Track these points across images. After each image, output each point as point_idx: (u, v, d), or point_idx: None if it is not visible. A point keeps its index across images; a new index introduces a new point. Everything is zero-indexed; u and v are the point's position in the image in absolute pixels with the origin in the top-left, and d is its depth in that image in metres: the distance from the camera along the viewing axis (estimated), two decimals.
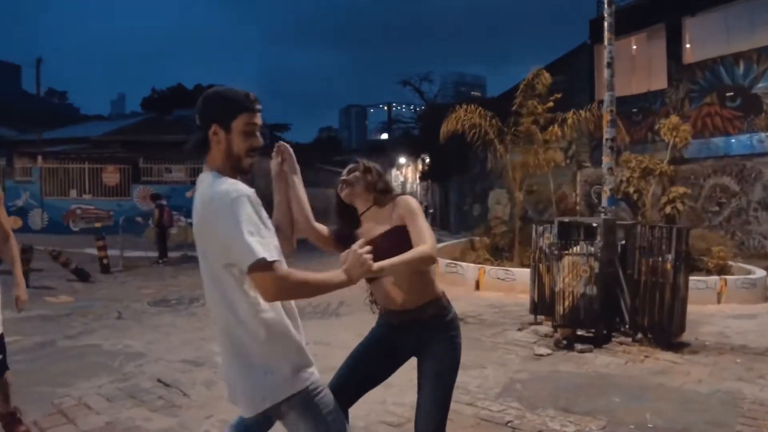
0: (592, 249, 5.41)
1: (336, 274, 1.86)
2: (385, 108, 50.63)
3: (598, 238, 5.48)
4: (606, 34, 6.61)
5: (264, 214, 1.76)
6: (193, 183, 16.45)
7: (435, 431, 2.22)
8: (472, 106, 11.11)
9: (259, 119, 1.87)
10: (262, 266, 1.64)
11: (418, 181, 38.67)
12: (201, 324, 6.77)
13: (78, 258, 11.93)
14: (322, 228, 2.42)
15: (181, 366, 5.07)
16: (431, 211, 32.15)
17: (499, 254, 11.21)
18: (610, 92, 6.51)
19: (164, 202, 13.56)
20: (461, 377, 4.52)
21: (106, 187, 17.24)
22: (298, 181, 2.28)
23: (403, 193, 2.46)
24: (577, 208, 16.39)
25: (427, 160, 31.74)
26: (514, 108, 10.81)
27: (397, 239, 2.21)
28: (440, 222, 28.15)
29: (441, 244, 13.66)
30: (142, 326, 6.72)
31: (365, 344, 2.53)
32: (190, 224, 13.15)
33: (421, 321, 2.33)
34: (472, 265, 9.50)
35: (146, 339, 6.07)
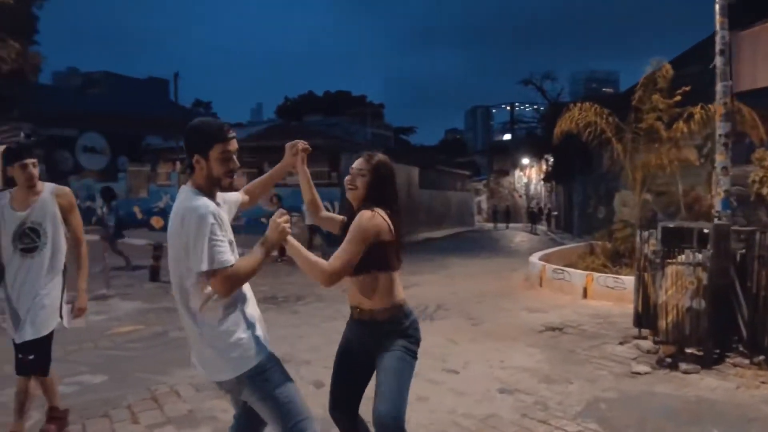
0: (700, 258, 4.85)
1: (256, 249, 2.14)
2: (508, 108, 49.43)
3: (709, 245, 4.91)
4: (717, 18, 5.95)
5: (225, 227, 2.11)
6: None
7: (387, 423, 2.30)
8: (587, 104, 10.49)
9: (233, 145, 2.17)
10: (210, 273, 2.02)
11: (541, 182, 37.29)
12: (300, 321, 7.04)
13: None
14: (335, 216, 2.80)
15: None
16: (555, 213, 30.84)
17: (618, 260, 10.47)
18: (723, 83, 5.85)
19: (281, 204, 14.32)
20: (542, 391, 4.34)
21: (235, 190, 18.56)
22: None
23: (383, 206, 2.51)
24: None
25: (551, 161, 30.50)
26: (633, 103, 10.06)
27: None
28: (564, 225, 26.93)
29: (558, 248, 13.05)
30: (285, 313, 7.06)
31: (339, 351, 2.69)
32: (308, 226, 13.72)
33: (377, 323, 2.49)
34: (579, 271, 8.95)
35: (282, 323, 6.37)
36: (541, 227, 30.99)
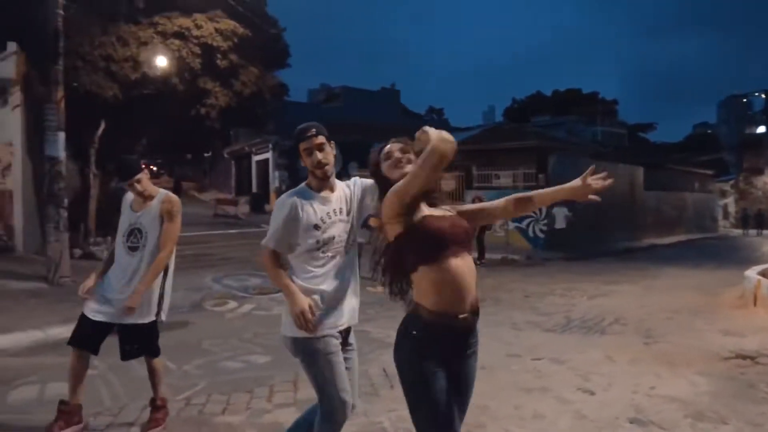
0: None
1: (285, 289, 2.61)
2: (763, 96, 41.94)
3: None
4: None
5: (296, 213, 2.58)
6: (517, 189, 16.92)
7: None
8: None
9: (312, 142, 2.61)
10: (262, 246, 2.67)
11: None
12: None
13: None
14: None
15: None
16: None
17: None
18: None
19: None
20: (682, 427, 3.78)
21: (443, 193, 19.15)
22: None
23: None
24: None
25: None
26: None
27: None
28: None
29: None
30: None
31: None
32: (516, 228, 13.72)
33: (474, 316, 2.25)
34: None
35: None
36: None
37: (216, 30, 13.92)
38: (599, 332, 6.62)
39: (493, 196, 12.93)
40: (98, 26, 12.63)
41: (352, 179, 2.79)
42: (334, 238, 2.63)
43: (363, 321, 3.53)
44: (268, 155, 29.72)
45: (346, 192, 2.74)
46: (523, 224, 16.92)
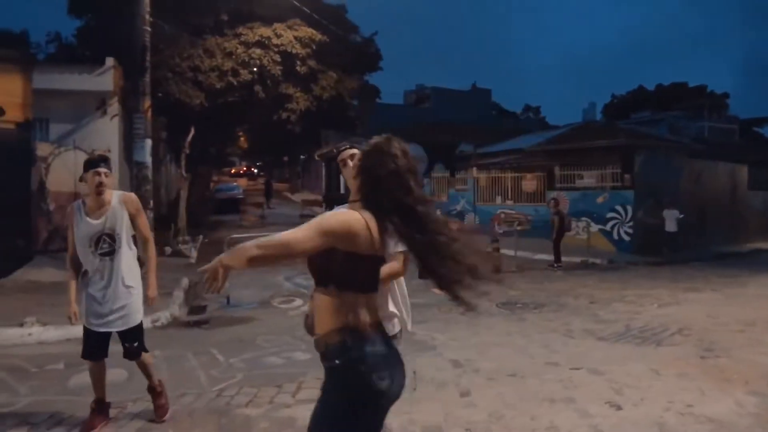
0: None
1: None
2: None
3: None
4: None
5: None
6: (603, 189, 16.16)
7: None
8: None
9: (342, 156, 2.84)
10: None
11: None
12: (515, 330, 6.89)
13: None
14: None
15: (445, 364, 5.46)
16: None
17: None
18: None
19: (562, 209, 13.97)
20: None
21: (524, 194, 18.71)
22: None
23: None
24: None
25: None
26: None
27: None
28: None
29: None
30: (465, 324, 7.04)
31: None
32: (600, 230, 13.19)
33: (321, 354, 2.04)
34: None
35: (454, 335, 6.58)
36: None
37: (295, 38, 14.53)
38: (655, 343, 6.25)
39: (576, 197, 12.34)
40: (187, 40, 13.57)
41: None
42: None
43: (416, 323, 3.57)
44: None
45: None
46: (608, 226, 16.15)
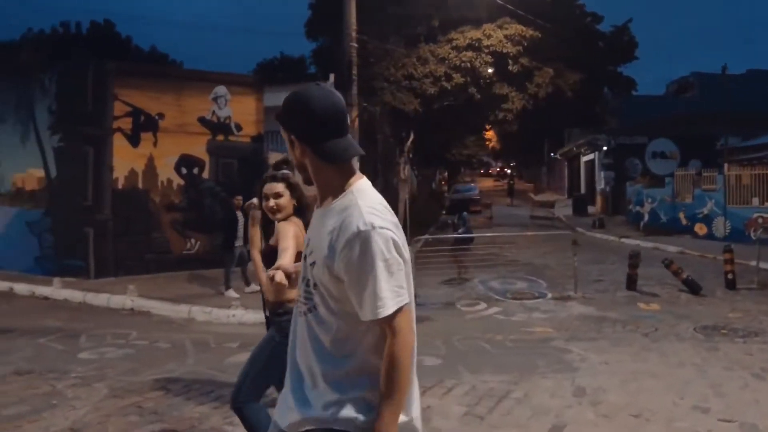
0: None
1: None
2: None
3: None
4: None
5: None
6: None
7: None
8: None
9: None
10: None
11: None
12: (693, 361, 5.85)
13: (709, 269, 11.59)
14: None
15: (566, 390, 4.94)
16: None
17: None
18: None
19: None
20: None
21: None
22: None
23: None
24: None
25: None
26: None
27: None
28: None
29: None
30: (639, 346, 6.27)
31: None
32: None
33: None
34: None
35: (610, 358, 5.86)
36: None
37: (505, 37, 14.30)
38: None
39: None
40: (402, 50, 14.43)
41: None
42: None
43: (583, 339, 3.54)
44: (594, 155, 28.43)
45: None
46: None
